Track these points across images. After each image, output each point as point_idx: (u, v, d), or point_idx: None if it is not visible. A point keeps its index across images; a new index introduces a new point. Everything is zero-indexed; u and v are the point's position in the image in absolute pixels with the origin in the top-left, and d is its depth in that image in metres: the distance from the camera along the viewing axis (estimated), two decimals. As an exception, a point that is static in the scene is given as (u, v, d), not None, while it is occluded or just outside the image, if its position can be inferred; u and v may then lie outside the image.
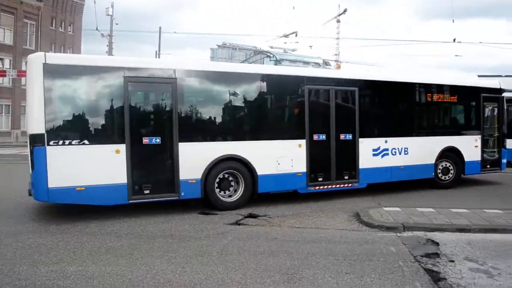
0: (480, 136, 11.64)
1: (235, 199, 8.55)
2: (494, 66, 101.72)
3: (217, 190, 8.31)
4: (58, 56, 7.92)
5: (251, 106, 8.87)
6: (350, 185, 9.78)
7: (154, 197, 7.91)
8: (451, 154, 11.30)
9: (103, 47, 62.87)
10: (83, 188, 7.35)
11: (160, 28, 36.82)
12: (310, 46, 44.84)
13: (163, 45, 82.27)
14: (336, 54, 58.22)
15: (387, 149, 10.41)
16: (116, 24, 33.27)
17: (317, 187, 9.38)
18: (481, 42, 52.65)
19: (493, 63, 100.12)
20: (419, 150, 10.74)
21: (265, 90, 9.05)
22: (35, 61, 7.25)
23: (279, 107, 9.42)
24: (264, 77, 8.97)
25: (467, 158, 11.44)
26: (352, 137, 9.89)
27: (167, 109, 8.07)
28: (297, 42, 37.02)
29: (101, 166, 7.49)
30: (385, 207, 8.27)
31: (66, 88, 7.43)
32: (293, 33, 27.07)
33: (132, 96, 7.72)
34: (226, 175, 8.44)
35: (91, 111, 7.61)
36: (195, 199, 8.27)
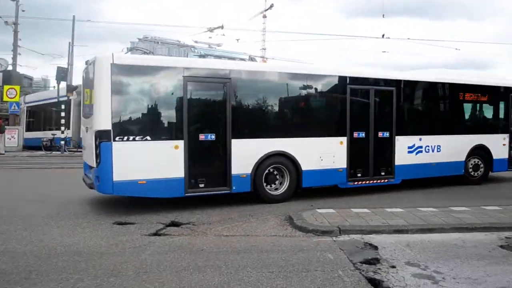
0: (508, 134, 13.49)
1: (281, 192, 10.12)
2: (421, 64, 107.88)
3: (264, 184, 9.87)
4: (125, 56, 9.57)
5: (297, 104, 10.60)
6: (386, 180, 11.50)
7: (208, 190, 9.37)
8: (480, 152, 13.00)
9: (9, 38, 58.48)
10: (145, 182, 8.62)
11: (73, 17, 34.71)
12: (237, 40, 44.90)
13: (79, 37, 78.09)
14: (263, 49, 58.58)
15: (421, 147, 11.91)
16: (23, 11, 30.96)
17: (356, 183, 11.11)
18: (409, 38, 55.66)
19: (420, 61, 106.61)
20: (451, 148, 12.45)
21: (311, 89, 10.58)
22: (104, 61, 8.46)
23: (323, 105, 11.05)
24: (310, 77, 10.52)
25: (495, 155, 13.01)
26: (389, 134, 11.51)
27: (222, 107, 9.47)
28: (223, 35, 36.76)
29: (161, 160, 8.85)
30: (319, 209, 8.81)
31: (131, 87, 8.80)
32: (219, 27, 26.60)
33: (190, 95, 9.12)
34: (272, 169, 10.00)
35: (153, 108, 9.00)
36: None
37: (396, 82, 11.57)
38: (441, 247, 6.46)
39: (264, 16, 64.52)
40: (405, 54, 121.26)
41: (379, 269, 5.50)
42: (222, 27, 27.94)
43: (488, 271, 5.43)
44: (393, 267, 5.56)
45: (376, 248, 6.35)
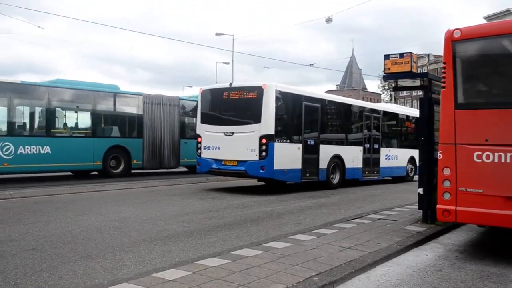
0: None
1: (336, 182, 16.59)
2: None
3: (330, 176, 16.48)
4: (282, 86, 14.39)
5: (343, 123, 17.54)
6: (376, 177, 18.92)
7: (310, 179, 15.19)
8: (412, 161, 20.90)
9: None
10: (286, 171, 14.17)
11: None
12: None
13: None
14: None
15: (390, 155, 19.67)
16: None
17: (366, 177, 18.21)
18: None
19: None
20: (401, 157, 20.66)
21: (351, 115, 17.99)
22: (271, 88, 13.85)
23: (353, 125, 18.22)
24: (349, 106, 17.92)
25: (419, 163, 19.65)
26: (378, 146, 18.93)
27: (316, 123, 15.75)
28: None
29: (292, 156, 14.47)
30: None
31: (288, 108, 14.71)
32: None
33: (305, 114, 15.14)
34: (331, 167, 16.43)
35: (290, 122, 14.84)
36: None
37: (382, 112, 19.53)
38: None
39: None
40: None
41: None
42: None
43: None
44: None
45: None
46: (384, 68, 9.08)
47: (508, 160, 6.40)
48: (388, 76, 9.34)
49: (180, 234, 8.00)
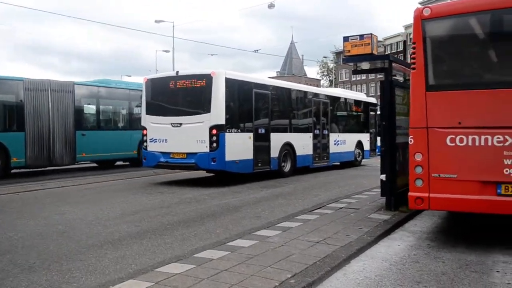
0: (369, 134, 22.44)
1: (288, 170, 16.20)
2: None
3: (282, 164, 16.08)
4: (232, 73, 13.84)
5: (293, 109, 17.07)
6: (326, 163, 18.68)
7: (262, 168, 14.69)
8: (359, 145, 21.24)
9: None
10: (238, 161, 13.65)
11: None
12: None
13: None
14: None
15: (339, 141, 19.55)
16: None
17: (316, 164, 18.00)
18: None
19: None
20: (349, 142, 20.55)
21: (300, 101, 17.47)
22: (221, 76, 13.23)
23: (303, 110, 17.65)
24: (301, 92, 17.55)
25: (365, 148, 21.87)
26: (327, 132, 18.84)
27: (266, 110, 15.32)
28: None
29: (244, 146, 13.97)
30: None
31: (236, 94, 13.91)
32: None
33: (255, 102, 14.69)
34: (283, 155, 16.11)
35: (241, 112, 14.28)
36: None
37: (329, 97, 19.27)
38: None
39: None
40: None
41: None
42: None
43: None
44: None
45: None
46: (344, 51, 8.66)
47: (482, 143, 6.15)
48: (348, 59, 8.96)
49: (132, 236, 7.27)
